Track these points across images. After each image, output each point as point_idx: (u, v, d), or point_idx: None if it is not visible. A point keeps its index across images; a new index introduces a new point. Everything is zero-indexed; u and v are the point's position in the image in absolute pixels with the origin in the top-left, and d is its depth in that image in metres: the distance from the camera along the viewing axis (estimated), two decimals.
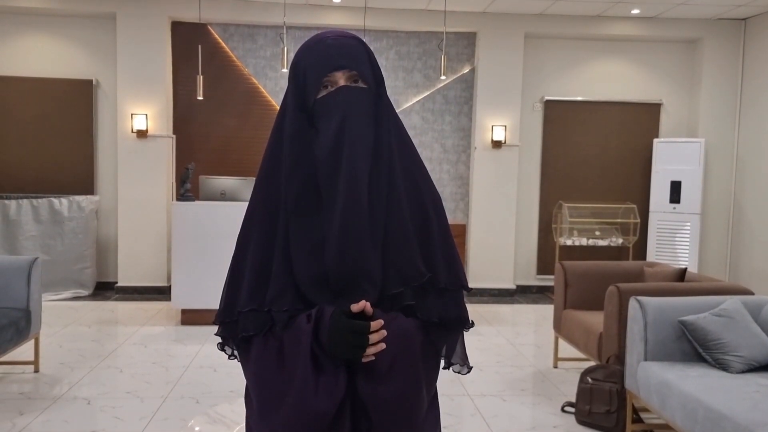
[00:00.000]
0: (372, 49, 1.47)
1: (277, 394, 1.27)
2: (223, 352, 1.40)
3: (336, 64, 1.32)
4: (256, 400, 1.32)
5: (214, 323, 1.38)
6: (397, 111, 1.42)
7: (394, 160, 1.34)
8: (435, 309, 1.32)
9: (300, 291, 1.30)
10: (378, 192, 1.30)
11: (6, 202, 6.97)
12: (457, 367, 1.43)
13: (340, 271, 1.26)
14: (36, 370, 4.51)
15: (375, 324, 1.23)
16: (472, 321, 1.41)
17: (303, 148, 1.32)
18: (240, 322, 1.31)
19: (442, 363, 1.41)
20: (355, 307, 1.24)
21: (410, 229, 1.32)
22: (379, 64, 1.40)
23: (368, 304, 1.24)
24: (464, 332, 1.42)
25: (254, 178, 1.41)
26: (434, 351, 1.36)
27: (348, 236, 1.26)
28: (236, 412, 3.13)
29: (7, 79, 7.21)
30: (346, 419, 1.27)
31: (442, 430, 1.48)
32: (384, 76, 1.42)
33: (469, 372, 1.43)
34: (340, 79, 1.32)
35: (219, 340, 1.40)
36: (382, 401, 1.27)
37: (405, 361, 1.28)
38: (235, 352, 1.39)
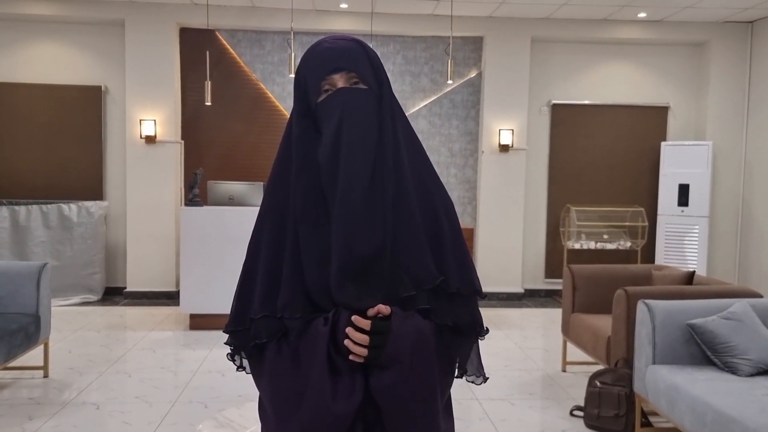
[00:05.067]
0: (379, 54, 1.46)
1: (293, 400, 1.25)
2: (232, 362, 1.37)
3: (333, 67, 1.31)
4: (272, 407, 1.29)
5: (224, 332, 1.36)
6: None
7: (402, 160, 1.31)
8: (448, 314, 1.30)
9: (311, 298, 1.28)
10: (383, 193, 1.28)
11: (16, 208, 7.02)
12: (471, 377, 1.40)
13: (342, 277, 1.24)
14: (45, 375, 4.53)
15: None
16: (487, 328, 1.39)
17: (307, 153, 1.31)
18: (252, 329, 1.30)
19: (456, 371, 1.38)
20: (371, 312, 1.23)
21: (421, 231, 1.30)
22: (386, 69, 1.38)
23: (384, 306, 1.23)
24: (479, 340, 1.40)
25: (262, 183, 1.40)
26: (448, 355, 1.33)
27: (349, 240, 1.24)
28: (244, 417, 3.14)
29: (17, 85, 7.27)
30: (359, 423, 1.26)
31: None
32: (391, 80, 1.40)
33: (484, 382, 1.40)
34: (339, 81, 1.31)
35: (228, 349, 1.37)
36: (401, 402, 1.25)
37: (422, 360, 1.26)
38: (244, 363, 1.36)
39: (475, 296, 1.36)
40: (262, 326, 1.28)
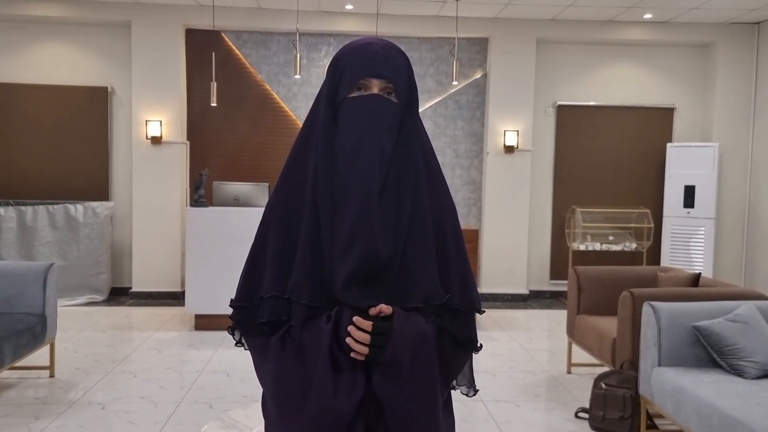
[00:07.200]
0: None
1: (295, 396, 1.27)
2: (231, 336, 1.39)
3: (374, 71, 1.32)
4: (274, 402, 1.31)
5: (230, 306, 1.37)
6: None
7: (420, 178, 1.33)
8: (447, 327, 1.33)
9: (320, 284, 1.29)
10: (401, 207, 1.29)
11: (22, 208, 7.05)
12: (464, 389, 1.43)
13: (351, 274, 1.25)
14: (51, 375, 4.54)
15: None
16: (481, 344, 1.42)
17: (330, 140, 1.32)
18: (261, 307, 1.31)
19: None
20: (372, 311, 1.24)
21: (433, 250, 1.32)
22: None
23: (386, 306, 1.25)
24: (473, 354, 1.43)
25: (268, 184, 1.42)
26: (445, 358, 1.35)
27: (359, 249, 1.25)
28: (250, 417, 3.14)
29: (24, 86, 7.30)
30: (361, 420, 1.27)
31: None
32: None
33: (475, 394, 1.43)
34: (374, 86, 1.32)
35: (231, 325, 1.39)
36: (402, 400, 1.26)
37: (424, 359, 1.28)
38: (243, 340, 1.38)
39: (473, 314, 1.39)
40: (269, 306, 1.30)
